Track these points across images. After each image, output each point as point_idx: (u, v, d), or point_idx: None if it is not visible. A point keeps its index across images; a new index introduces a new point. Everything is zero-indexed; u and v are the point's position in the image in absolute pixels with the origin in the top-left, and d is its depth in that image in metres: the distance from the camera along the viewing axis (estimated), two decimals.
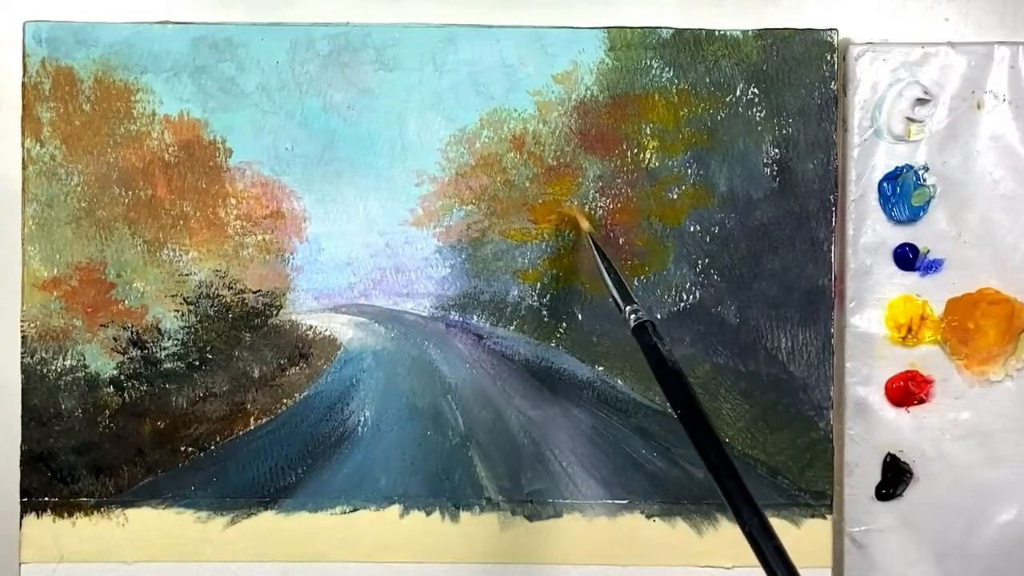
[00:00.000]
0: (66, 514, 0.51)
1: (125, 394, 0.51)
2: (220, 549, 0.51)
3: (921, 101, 0.50)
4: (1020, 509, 0.51)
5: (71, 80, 0.50)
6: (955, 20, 0.52)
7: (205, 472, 0.51)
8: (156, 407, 0.51)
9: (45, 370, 0.51)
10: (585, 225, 0.50)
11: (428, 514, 0.51)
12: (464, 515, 0.51)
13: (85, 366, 0.51)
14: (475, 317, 0.52)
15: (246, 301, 0.51)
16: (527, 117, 0.51)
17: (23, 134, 0.50)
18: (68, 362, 0.51)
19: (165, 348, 0.51)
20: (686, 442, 0.51)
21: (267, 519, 0.51)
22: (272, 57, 0.50)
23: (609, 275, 0.46)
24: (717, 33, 0.51)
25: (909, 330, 0.51)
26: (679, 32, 0.51)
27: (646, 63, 0.51)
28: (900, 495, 0.51)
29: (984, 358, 0.51)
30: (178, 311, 0.51)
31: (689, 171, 0.51)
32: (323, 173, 0.51)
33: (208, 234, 0.51)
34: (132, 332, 0.51)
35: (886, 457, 0.51)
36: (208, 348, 0.51)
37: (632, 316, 0.43)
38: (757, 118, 0.51)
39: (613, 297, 0.45)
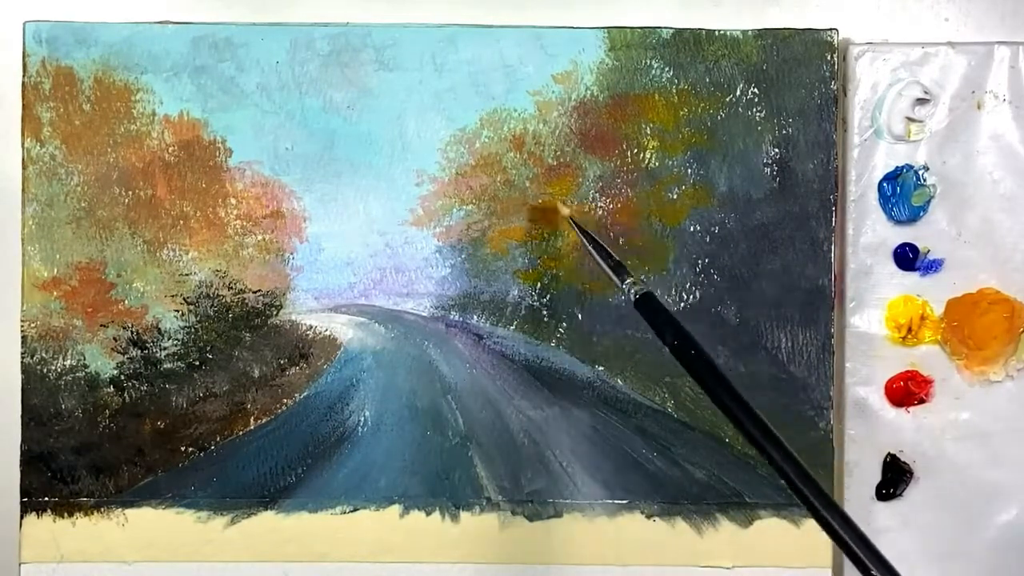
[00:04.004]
0: (66, 514, 0.51)
1: (125, 394, 0.51)
2: (220, 549, 0.51)
3: (921, 101, 0.50)
4: (1020, 509, 0.51)
5: (71, 80, 0.50)
6: (955, 20, 0.52)
7: (205, 472, 0.51)
8: (156, 407, 0.51)
9: (45, 370, 0.50)
10: (565, 211, 0.50)
11: (428, 514, 0.51)
12: (464, 515, 0.51)
13: (85, 366, 0.51)
14: (475, 317, 0.52)
15: (246, 301, 0.51)
16: (527, 117, 0.51)
17: (23, 134, 0.50)
18: (68, 362, 0.51)
19: (165, 348, 0.51)
20: (686, 442, 0.52)
21: (267, 519, 0.51)
22: (272, 57, 0.50)
23: (599, 253, 0.45)
24: (717, 33, 0.51)
25: (909, 330, 0.51)
26: (679, 32, 0.51)
27: (646, 63, 0.51)
28: (900, 495, 0.51)
29: (984, 358, 0.51)
30: (178, 311, 0.51)
31: (689, 171, 0.51)
32: (323, 173, 0.51)
33: (208, 234, 0.51)
34: (132, 332, 0.51)
35: (886, 457, 0.51)
36: (208, 348, 0.51)
37: (632, 290, 0.42)
38: (757, 118, 0.51)
39: (608, 275, 0.44)
